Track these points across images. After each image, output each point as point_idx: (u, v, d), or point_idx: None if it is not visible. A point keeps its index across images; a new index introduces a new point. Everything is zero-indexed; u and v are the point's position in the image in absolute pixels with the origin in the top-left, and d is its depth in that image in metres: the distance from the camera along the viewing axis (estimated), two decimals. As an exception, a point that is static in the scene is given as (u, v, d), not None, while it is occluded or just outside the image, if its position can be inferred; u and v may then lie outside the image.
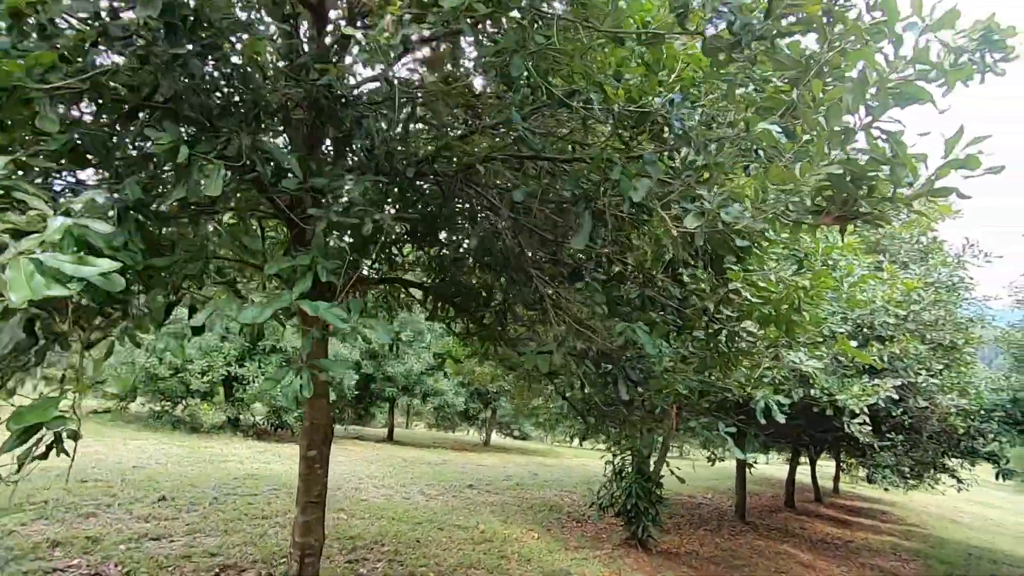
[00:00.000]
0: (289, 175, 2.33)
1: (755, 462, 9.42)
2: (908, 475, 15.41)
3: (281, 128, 2.99)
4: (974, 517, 23.18)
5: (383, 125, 3.46)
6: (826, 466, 25.87)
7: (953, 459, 10.95)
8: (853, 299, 5.98)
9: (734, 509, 13.24)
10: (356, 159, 3.32)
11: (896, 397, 5.77)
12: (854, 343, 6.01)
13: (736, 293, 3.07)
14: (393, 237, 4.43)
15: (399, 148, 3.25)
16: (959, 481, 11.93)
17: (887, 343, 6.10)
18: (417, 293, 5.52)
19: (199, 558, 5.47)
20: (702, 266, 3.03)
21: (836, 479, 24.04)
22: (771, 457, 26.49)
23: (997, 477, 9.51)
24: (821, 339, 3.88)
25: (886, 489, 20.75)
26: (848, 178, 2.08)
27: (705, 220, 2.13)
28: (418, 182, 3.44)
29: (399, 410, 26.63)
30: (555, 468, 17.86)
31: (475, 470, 14.28)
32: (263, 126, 2.47)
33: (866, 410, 5.49)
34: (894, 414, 8.63)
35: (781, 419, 3.62)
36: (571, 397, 4.62)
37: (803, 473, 20.93)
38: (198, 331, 2.66)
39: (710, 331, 3.32)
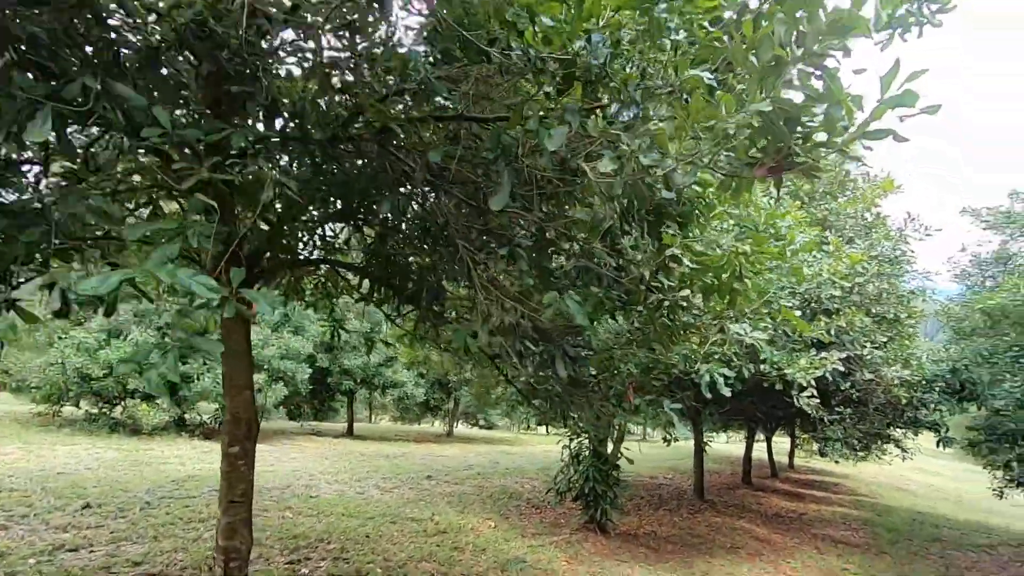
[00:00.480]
0: (153, 127, 1.99)
1: (710, 442, 9.45)
2: (857, 447, 16.01)
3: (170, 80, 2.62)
4: (919, 485, 24.40)
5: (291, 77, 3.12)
6: (782, 442, 26.78)
7: (898, 429, 11.32)
8: (799, 272, 5.97)
9: (693, 488, 13.42)
10: (265, 121, 2.98)
11: (843, 370, 5.80)
12: (799, 313, 5.99)
13: (675, 260, 2.89)
14: (318, 214, 4.10)
15: (310, 108, 2.92)
16: (904, 451, 12.37)
17: (834, 316, 6.13)
18: (358, 279, 5.20)
19: (120, 568, 5.04)
20: (640, 233, 2.83)
21: (791, 454, 24.86)
22: (730, 436, 27.26)
23: (938, 445, 9.86)
24: (766, 310, 3.77)
25: (836, 461, 21.55)
26: (781, 120, 1.89)
27: (623, 166, 1.91)
28: (335, 147, 3.12)
29: (361, 404, 26.08)
30: (518, 456, 17.78)
31: (435, 461, 14.02)
32: (123, 69, 2.11)
33: (813, 383, 5.49)
34: (842, 388, 8.80)
35: (727, 392, 3.49)
36: (515, 379, 4.40)
37: (760, 450, 21.55)
38: (60, 314, 2.29)
39: (651, 303, 3.14)
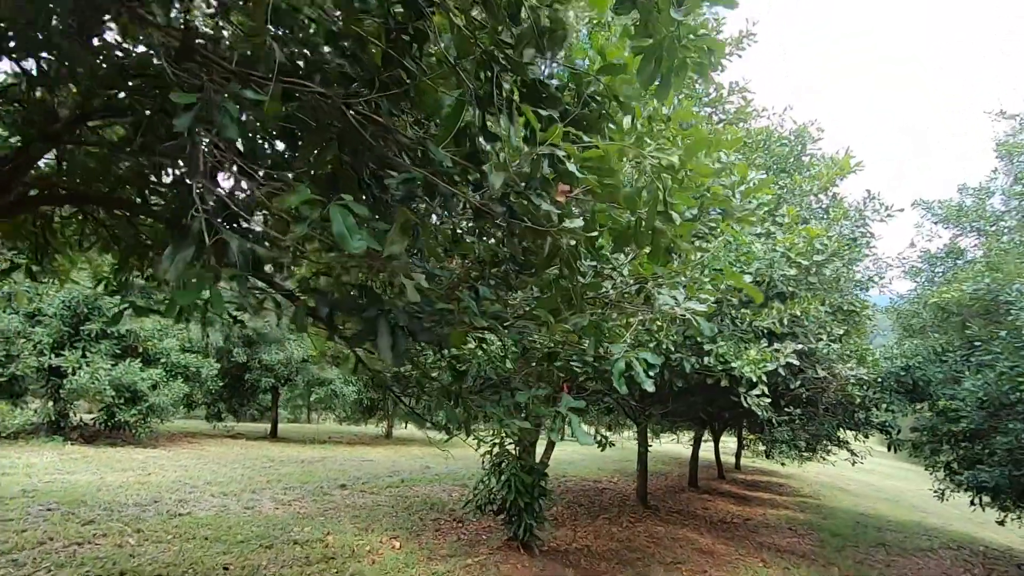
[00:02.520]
0: None
1: (649, 446, 8.53)
2: (803, 449, 15.63)
3: None
4: (858, 484, 24.62)
5: None
6: (730, 441, 26.62)
7: (848, 431, 10.77)
8: (749, 252, 5.04)
9: (637, 494, 12.58)
10: None
11: (796, 363, 4.93)
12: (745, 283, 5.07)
13: (566, 176, 1.82)
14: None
15: None
16: (853, 454, 11.87)
17: (788, 303, 5.28)
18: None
19: None
20: (507, 115, 1.73)
21: (738, 455, 24.65)
22: (680, 436, 26.89)
23: (889, 448, 9.29)
24: (702, 266, 2.77)
25: (783, 464, 21.36)
26: None
27: None
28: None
29: (300, 404, 24.29)
30: (456, 460, 16.58)
31: (358, 467, 12.67)
32: None
33: (764, 379, 4.60)
34: (792, 387, 8.07)
35: (649, 386, 2.44)
36: (371, 363, 3.25)
37: (710, 451, 21.14)
38: None
39: (537, 243, 2.07)
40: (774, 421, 9.40)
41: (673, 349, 5.10)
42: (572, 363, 2.91)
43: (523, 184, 1.78)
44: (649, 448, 10.13)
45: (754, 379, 4.46)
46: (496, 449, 7.39)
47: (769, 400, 4.75)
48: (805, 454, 16.35)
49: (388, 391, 3.11)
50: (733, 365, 4.58)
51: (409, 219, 1.50)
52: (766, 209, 5.25)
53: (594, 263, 2.43)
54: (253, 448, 14.19)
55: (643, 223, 2.04)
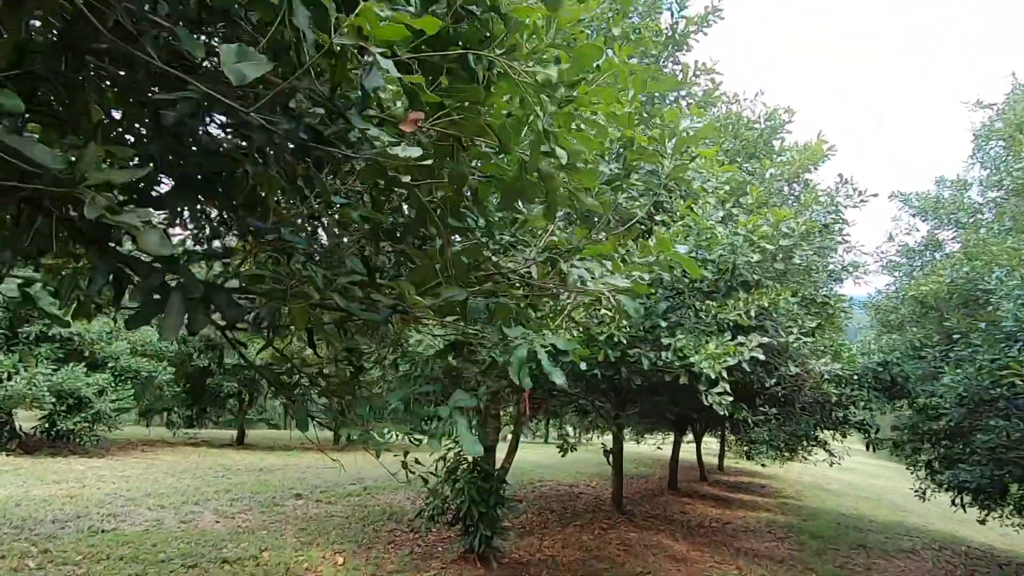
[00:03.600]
0: None
1: (612, 451, 8.09)
2: (783, 448, 15.30)
3: None
4: (840, 483, 24.42)
5: None
6: (714, 443, 26.31)
7: (826, 431, 10.41)
8: (711, 236, 4.61)
9: (612, 498, 12.13)
10: None
11: (762, 358, 4.50)
12: (706, 282, 4.65)
13: (413, 99, 1.34)
14: None
15: None
16: (831, 455, 11.53)
17: (753, 292, 4.86)
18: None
19: None
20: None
21: (721, 456, 24.37)
22: (665, 438, 26.50)
23: (868, 448, 8.94)
24: (610, 224, 2.29)
25: (763, 465, 21.06)
26: None
27: None
28: None
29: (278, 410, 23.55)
30: (428, 465, 16.02)
31: (320, 474, 12.07)
32: None
33: (725, 375, 4.16)
34: (768, 385, 7.69)
35: (559, 380, 1.96)
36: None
37: (692, 452, 20.82)
38: None
39: (379, 189, 1.58)
40: (750, 421, 9.01)
41: (627, 343, 4.65)
42: (472, 356, 2.42)
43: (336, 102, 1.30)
44: (620, 450, 9.61)
45: (712, 375, 4.02)
46: (450, 454, 6.90)
47: (732, 398, 4.31)
48: (785, 454, 16.06)
49: (263, 377, 2.60)
50: (691, 360, 4.14)
51: (101, 118, 1.03)
52: (727, 188, 4.82)
53: (484, 228, 1.94)
54: (213, 456, 13.52)
55: (527, 180, 1.58)
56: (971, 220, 9.80)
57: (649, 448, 30.92)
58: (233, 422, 18.06)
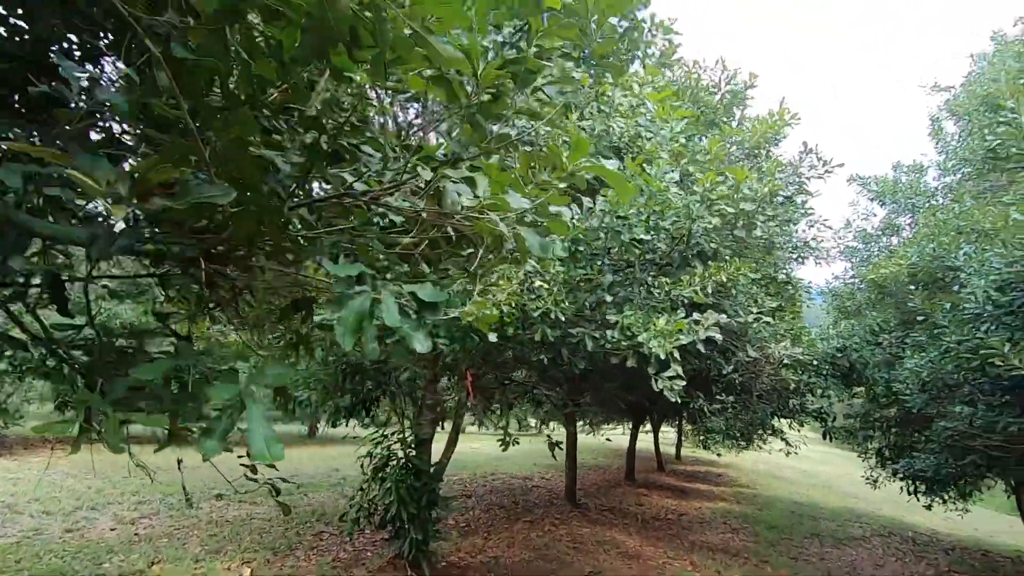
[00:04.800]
0: None
1: (558, 444, 7.54)
2: (739, 438, 15.16)
3: None
4: (793, 471, 24.80)
5: None
6: (672, 432, 26.33)
7: (783, 419, 10.14)
8: (665, 200, 4.02)
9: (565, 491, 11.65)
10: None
11: (719, 338, 3.96)
12: (658, 254, 4.08)
13: None
14: None
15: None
16: (788, 444, 11.32)
17: (712, 266, 4.31)
18: None
19: None
20: None
21: (678, 445, 24.36)
22: (625, 428, 26.31)
23: (825, 437, 8.66)
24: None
25: (719, 455, 21.08)
26: None
27: None
28: None
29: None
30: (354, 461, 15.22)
31: (240, 472, 11.11)
32: None
33: (677, 356, 3.59)
34: (725, 371, 7.26)
35: (420, 346, 1.28)
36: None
37: (649, 442, 20.67)
38: None
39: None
40: (706, 410, 8.62)
41: (567, 320, 4.03)
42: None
43: None
44: (559, 445, 9.05)
45: (662, 355, 3.44)
46: (379, 448, 6.19)
47: (684, 382, 3.75)
48: (741, 443, 15.96)
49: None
50: (640, 339, 3.56)
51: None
52: (681, 141, 4.24)
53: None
54: (138, 454, 12.33)
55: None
56: (927, 204, 9.65)
57: (607, 439, 30.86)
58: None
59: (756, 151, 6.55)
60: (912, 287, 7.09)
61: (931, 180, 10.34)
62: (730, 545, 9.76)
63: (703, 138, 5.65)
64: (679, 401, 3.76)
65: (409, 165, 1.40)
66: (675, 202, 4.08)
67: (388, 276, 1.68)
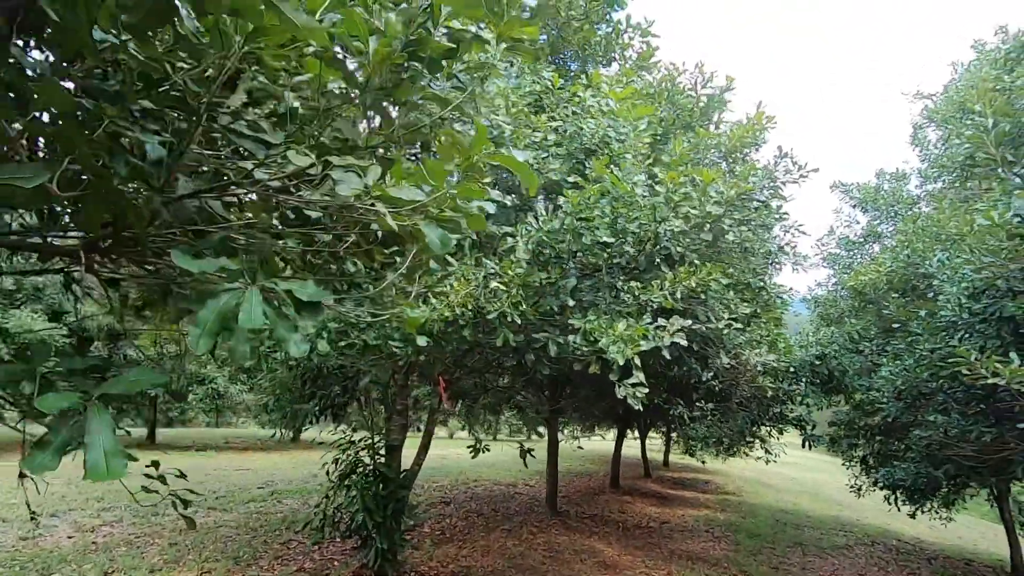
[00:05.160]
0: None
1: (530, 451, 7.41)
2: (724, 446, 15.06)
3: None
4: (780, 478, 24.73)
5: None
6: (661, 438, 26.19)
7: (763, 427, 10.05)
8: (630, 197, 3.92)
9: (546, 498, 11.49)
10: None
11: (684, 343, 3.86)
12: (627, 258, 4.00)
13: None
14: None
15: None
16: (768, 452, 11.23)
17: (681, 269, 4.20)
18: None
19: None
20: None
21: (666, 452, 24.22)
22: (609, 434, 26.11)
23: (804, 445, 8.58)
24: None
25: (703, 462, 20.95)
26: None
27: None
28: None
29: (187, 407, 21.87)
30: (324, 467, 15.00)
31: (225, 477, 10.92)
32: None
33: (638, 362, 3.48)
34: (704, 378, 7.17)
35: (295, 351, 1.15)
36: None
37: (637, 448, 20.55)
38: None
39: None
40: (686, 417, 8.53)
41: (528, 323, 3.92)
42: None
43: None
44: (531, 452, 8.88)
45: (621, 361, 3.33)
46: (346, 455, 6.03)
47: (647, 390, 3.63)
48: (728, 450, 15.87)
49: None
50: (600, 344, 3.44)
51: None
52: (647, 141, 4.15)
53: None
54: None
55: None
56: (909, 212, 9.64)
57: (597, 444, 30.61)
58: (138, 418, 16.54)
59: (733, 155, 6.48)
60: (893, 294, 7.04)
61: (914, 188, 10.35)
62: (710, 554, 9.65)
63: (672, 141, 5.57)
64: (641, 409, 3.64)
65: (283, 151, 1.28)
66: (641, 203, 3.98)
67: (301, 275, 1.55)
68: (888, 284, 7.34)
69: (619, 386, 3.71)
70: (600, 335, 3.57)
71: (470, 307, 3.50)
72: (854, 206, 10.62)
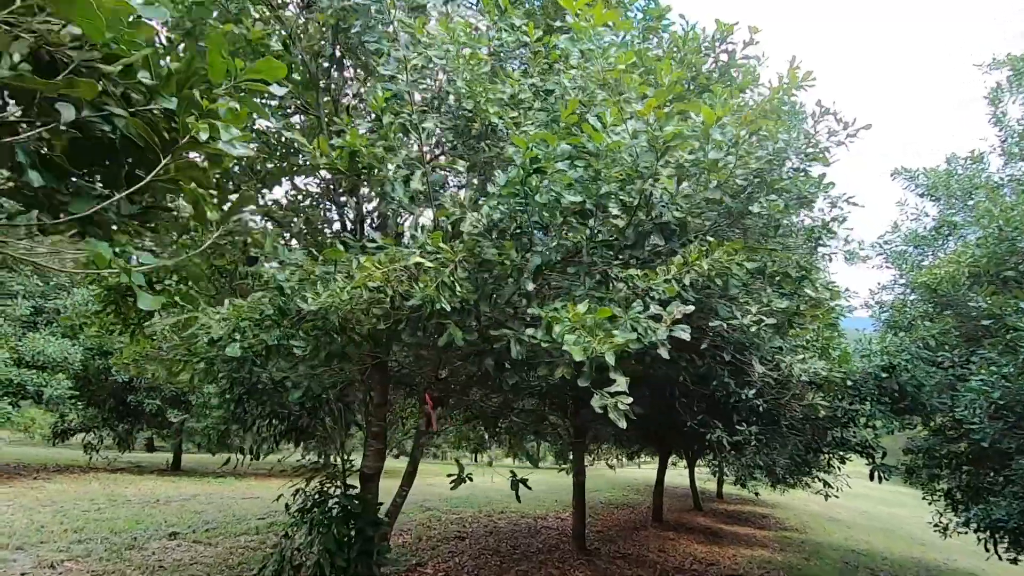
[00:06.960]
0: None
1: (523, 481, 6.32)
2: (782, 475, 13.30)
3: None
4: (850, 512, 22.14)
5: None
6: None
7: (821, 454, 8.55)
8: (615, 157, 2.99)
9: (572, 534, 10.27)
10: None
11: (687, 337, 2.84)
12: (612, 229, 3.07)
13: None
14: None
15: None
16: (827, 486, 9.64)
17: (696, 249, 3.16)
18: None
19: None
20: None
21: (720, 482, 22.16)
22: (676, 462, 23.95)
23: (872, 477, 7.09)
24: None
25: (756, 494, 18.89)
26: None
27: None
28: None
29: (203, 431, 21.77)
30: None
31: (225, 507, 10.32)
32: None
33: (611, 361, 2.48)
34: (744, 396, 5.98)
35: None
36: None
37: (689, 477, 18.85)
38: None
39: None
40: (725, 443, 7.26)
41: (467, 311, 2.99)
42: None
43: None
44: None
45: (577, 356, 2.35)
46: (311, 486, 5.21)
47: (631, 400, 2.63)
48: (789, 482, 14.08)
49: None
50: (554, 333, 2.48)
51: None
52: (611, 58, 3.18)
53: None
54: (116, 485, 11.77)
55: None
56: (989, 198, 8.12)
57: (644, 472, 28.50)
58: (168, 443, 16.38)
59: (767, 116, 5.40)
60: (977, 287, 5.67)
61: (995, 173, 8.79)
62: (763, 606, 8.19)
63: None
64: (624, 426, 2.63)
65: None
66: (626, 156, 3.03)
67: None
68: (971, 279, 5.97)
69: (596, 395, 2.72)
70: (555, 323, 2.61)
71: (390, 292, 2.64)
72: (922, 195, 9.14)
